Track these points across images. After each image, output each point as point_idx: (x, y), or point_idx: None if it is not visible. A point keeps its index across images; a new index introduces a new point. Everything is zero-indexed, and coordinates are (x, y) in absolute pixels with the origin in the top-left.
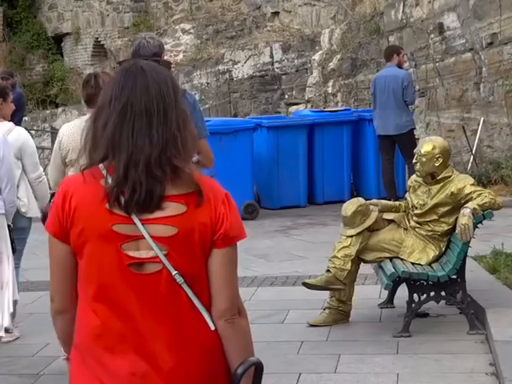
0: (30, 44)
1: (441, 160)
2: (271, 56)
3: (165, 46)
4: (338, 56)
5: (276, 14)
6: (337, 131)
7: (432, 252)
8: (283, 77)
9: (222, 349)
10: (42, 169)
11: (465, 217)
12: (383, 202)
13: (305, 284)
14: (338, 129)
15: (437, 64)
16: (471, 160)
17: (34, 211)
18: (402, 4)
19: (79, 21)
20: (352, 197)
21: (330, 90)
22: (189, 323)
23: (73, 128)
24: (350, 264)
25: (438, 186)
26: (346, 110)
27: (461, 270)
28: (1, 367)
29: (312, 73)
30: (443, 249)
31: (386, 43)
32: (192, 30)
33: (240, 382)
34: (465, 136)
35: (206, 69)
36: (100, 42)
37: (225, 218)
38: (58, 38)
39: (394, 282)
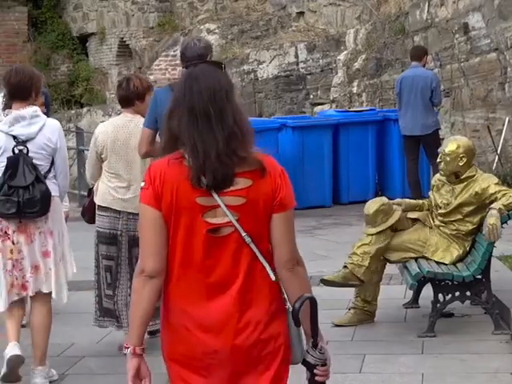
0: (55, 44)
1: (465, 159)
2: (296, 56)
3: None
4: (363, 56)
5: (301, 13)
6: (362, 131)
7: (456, 251)
8: (308, 77)
9: (280, 295)
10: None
11: (493, 217)
12: (407, 200)
13: (323, 281)
14: (363, 129)
15: (462, 64)
16: (496, 160)
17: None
18: (426, 4)
19: (104, 21)
20: (377, 197)
21: (354, 89)
22: (254, 274)
23: (108, 127)
24: (368, 261)
25: (462, 186)
26: (370, 109)
27: (486, 269)
28: (26, 367)
29: (337, 73)
30: (467, 248)
31: (410, 43)
32: (217, 30)
33: (299, 314)
34: (490, 136)
35: (230, 69)
36: (125, 41)
37: (281, 189)
38: (83, 38)
39: (419, 282)
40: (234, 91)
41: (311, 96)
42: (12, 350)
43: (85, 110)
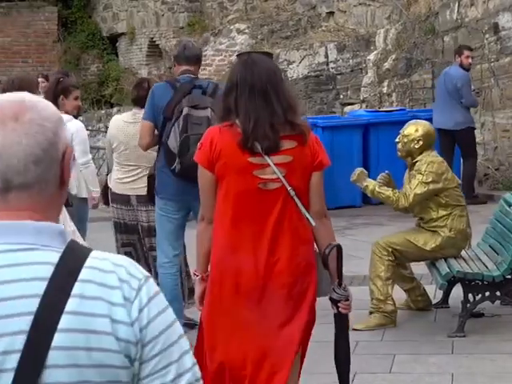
0: (85, 44)
1: (421, 143)
2: (326, 56)
3: (220, 46)
4: (393, 56)
5: (331, 13)
6: (392, 131)
7: (434, 239)
8: (338, 77)
9: (313, 239)
10: (90, 156)
11: (368, 183)
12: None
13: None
14: (393, 129)
15: (492, 64)
16: None
17: (83, 192)
18: (456, 4)
19: (134, 21)
20: None
21: (385, 89)
22: (297, 221)
23: (119, 121)
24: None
25: (413, 171)
26: (400, 109)
27: None
28: None
29: (367, 73)
30: (447, 234)
31: (440, 43)
32: (247, 30)
33: (328, 259)
34: None
35: None
36: (155, 41)
37: (319, 152)
38: (113, 38)
39: (449, 282)
40: (282, 75)
41: (341, 96)
42: None
43: (115, 109)
